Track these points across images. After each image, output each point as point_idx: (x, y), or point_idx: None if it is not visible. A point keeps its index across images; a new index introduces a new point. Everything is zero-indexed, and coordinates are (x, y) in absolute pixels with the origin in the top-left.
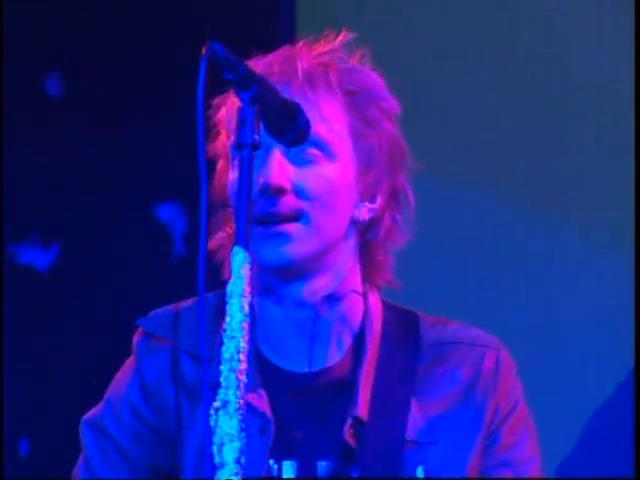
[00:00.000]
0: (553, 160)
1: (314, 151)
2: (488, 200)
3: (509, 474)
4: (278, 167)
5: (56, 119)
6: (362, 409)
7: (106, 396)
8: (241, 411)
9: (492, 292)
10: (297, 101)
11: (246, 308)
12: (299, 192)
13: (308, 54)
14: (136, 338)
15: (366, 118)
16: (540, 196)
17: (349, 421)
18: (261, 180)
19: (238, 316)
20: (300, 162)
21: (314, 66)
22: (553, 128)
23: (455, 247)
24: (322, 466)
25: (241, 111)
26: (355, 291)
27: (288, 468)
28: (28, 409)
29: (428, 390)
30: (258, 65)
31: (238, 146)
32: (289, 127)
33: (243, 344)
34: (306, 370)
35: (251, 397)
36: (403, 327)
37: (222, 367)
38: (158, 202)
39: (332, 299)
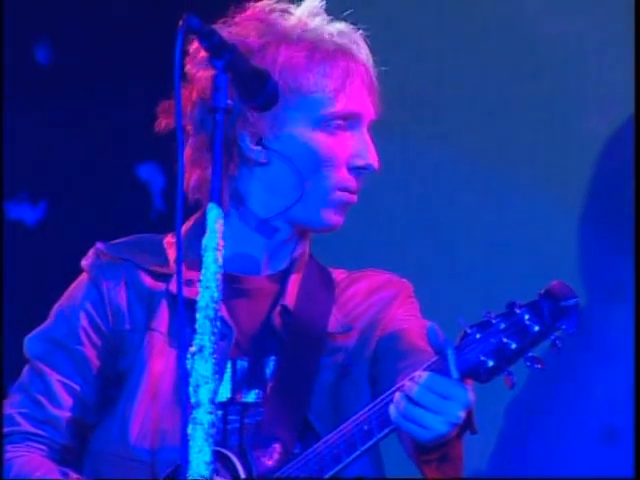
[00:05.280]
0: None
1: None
2: (449, 152)
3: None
4: (376, 151)
5: (45, 85)
6: (290, 300)
7: (54, 312)
8: (215, 355)
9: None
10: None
11: (220, 260)
12: None
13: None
14: (88, 261)
15: None
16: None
17: (278, 308)
18: (364, 161)
19: (212, 267)
20: None
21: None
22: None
23: (418, 202)
24: (271, 361)
25: (215, 77)
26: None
27: (242, 367)
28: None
29: (346, 302)
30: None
31: (212, 109)
32: (260, 92)
33: (217, 293)
34: (258, 274)
35: None
36: (320, 266)
37: (197, 315)
38: (138, 162)
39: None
